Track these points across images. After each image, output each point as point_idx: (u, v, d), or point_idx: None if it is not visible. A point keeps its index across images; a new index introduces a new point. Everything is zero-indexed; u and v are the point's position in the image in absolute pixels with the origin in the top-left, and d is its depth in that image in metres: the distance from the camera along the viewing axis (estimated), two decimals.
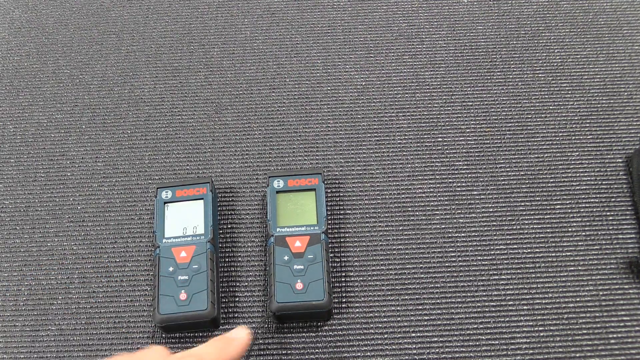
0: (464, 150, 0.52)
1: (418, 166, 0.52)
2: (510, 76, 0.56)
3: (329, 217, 0.50)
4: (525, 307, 0.46)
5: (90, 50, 0.59)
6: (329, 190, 0.51)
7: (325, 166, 0.52)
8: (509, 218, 0.49)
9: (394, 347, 0.45)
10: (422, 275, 0.47)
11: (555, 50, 0.57)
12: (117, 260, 0.49)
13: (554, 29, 0.58)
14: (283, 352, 0.45)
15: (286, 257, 0.45)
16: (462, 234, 0.49)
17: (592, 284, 0.46)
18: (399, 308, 0.46)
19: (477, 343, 0.45)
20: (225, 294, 0.47)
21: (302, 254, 0.45)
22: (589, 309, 0.45)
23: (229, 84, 0.56)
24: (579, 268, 0.47)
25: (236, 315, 0.47)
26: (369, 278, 0.47)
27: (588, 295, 0.46)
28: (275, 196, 0.47)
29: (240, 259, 0.49)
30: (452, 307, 0.46)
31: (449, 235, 0.49)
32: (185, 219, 0.47)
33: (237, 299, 0.47)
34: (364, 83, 0.56)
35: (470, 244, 0.48)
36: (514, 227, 0.49)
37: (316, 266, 0.44)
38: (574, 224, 0.49)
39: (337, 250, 0.48)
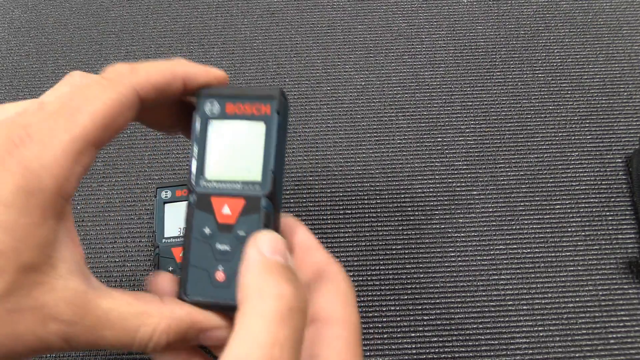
0: (463, 150, 0.52)
1: (418, 166, 0.52)
2: (510, 76, 0.56)
3: (329, 217, 0.50)
4: (524, 307, 0.46)
5: (90, 50, 0.59)
6: (329, 190, 0.51)
7: (325, 166, 0.52)
8: (509, 218, 0.49)
9: (393, 347, 0.45)
10: (422, 275, 0.47)
11: (555, 50, 0.57)
12: (117, 260, 0.49)
13: (554, 29, 0.58)
14: None
15: (207, 230, 0.29)
16: (462, 234, 0.49)
17: (592, 284, 0.46)
18: (398, 308, 0.46)
19: (477, 343, 0.45)
20: None
21: (230, 226, 0.28)
22: (588, 309, 0.45)
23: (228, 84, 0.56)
24: (579, 268, 0.47)
25: None
26: (369, 278, 0.47)
27: (587, 296, 0.46)
28: (207, 127, 0.30)
29: None
30: (451, 307, 0.46)
31: (449, 235, 0.49)
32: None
33: None
34: (363, 83, 0.56)
35: (469, 244, 0.48)
36: (514, 227, 0.49)
37: None
38: (574, 224, 0.49)
39: (337, 250, 0.48)
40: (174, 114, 0.31)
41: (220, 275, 0.28)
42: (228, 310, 0.27)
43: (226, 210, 0.29)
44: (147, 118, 0.31)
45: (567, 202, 0.50)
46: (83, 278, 0.26)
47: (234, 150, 0.30)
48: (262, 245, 0.26)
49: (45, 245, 0.25)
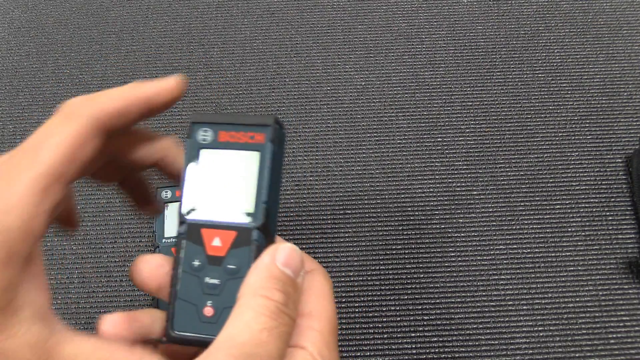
0: (463, 150, 0.52)
1: (418, 166, 0.52)
2: (510, 76, 0.56)
3: (329, 217, 0.50)
4: (524, 307, 0.46)
5: (90, 50, 0.59)
6: (329, 190, 0.51)
7: (325, 166, 0.52)
8: (509, 218, 0.49)
9: (393, 347, 0.45)
10: (422, 275, 0.47)
11: (555, 50, 0.57)
12: (117, 260, 0.49)
13: (554, 29, 0.58)
14: None
15: (197, 262, 0.28)
16: (462, 234, 0.49)
17: (592, 284, 0.46)
18: (398, 308, 0.46)
19: (477, 343, 0.45)
20: None
21: (220, 259, 0.28)
22: (588, 309, 0.45)
23: (228, 84, 0.56)
24: (579, 268, 0.47)
25: None
26: (369, 278, 0.47)
27: (588, 295, 0.46)
28: (199, 155, 0.29)
29: None
30: (451, 307, 0.46)
31: (449, 235, 0.49)
32: None
33: None
34: (363, 83, 0.56)
35: (469, 244, 0.48)
36: (514, 227, 0.49)
37: (237, 283, 0.27)
38: (574, 224, 0.49)
39: (336, 250, 0.48)
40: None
41: (208, 311, 0.27)
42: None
43: (216, 242, 0.28)
44: (125, 154, 0.31)
45: (567, 202, 0.50)
46: (46, 323, 0.25)
47: (227, 180, 0.29)
48: (278, 255, 0.26)
49: (7, 289, 0.24)
